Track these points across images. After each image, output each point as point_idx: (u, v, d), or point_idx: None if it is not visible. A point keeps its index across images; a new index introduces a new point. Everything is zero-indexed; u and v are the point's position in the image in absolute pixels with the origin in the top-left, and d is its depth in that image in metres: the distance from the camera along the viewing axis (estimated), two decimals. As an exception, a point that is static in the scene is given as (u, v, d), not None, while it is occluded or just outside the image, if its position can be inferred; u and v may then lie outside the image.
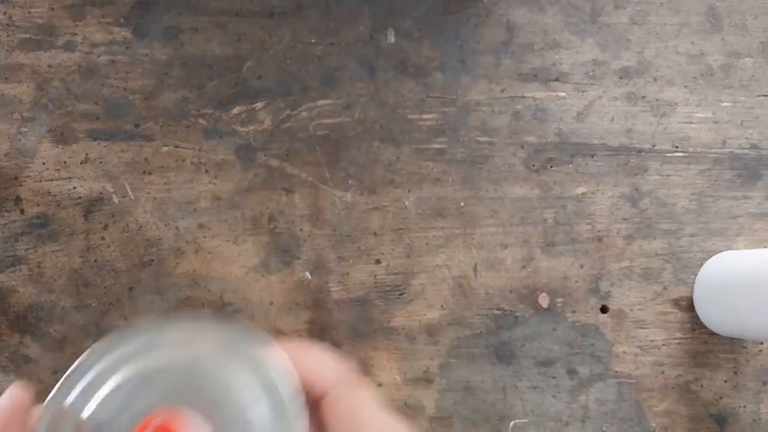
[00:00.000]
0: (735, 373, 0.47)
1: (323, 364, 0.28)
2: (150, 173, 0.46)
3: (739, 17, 0.49)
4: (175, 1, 0.47)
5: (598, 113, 0.48)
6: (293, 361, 0.28)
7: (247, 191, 0.46)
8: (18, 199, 0.45)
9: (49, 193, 0.45)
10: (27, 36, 0.46)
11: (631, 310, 0.47)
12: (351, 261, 0.46)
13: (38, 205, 0.45)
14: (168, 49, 0.46)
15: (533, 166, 0.47)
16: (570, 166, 0.48)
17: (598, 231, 0.47)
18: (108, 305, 0.45)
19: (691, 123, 0.49)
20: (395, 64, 0.47)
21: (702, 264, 0.48)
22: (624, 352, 0.47)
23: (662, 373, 0.47)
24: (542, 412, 0.46)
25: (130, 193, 0.46)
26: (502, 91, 0.48)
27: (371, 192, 0.47)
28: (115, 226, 0.45)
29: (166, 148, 0.46)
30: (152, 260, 0.45)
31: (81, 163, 0.46)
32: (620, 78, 0.48)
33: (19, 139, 0.45)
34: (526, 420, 0.46)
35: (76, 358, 0.45)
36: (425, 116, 0.47)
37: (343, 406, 0.27)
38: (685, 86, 0.49)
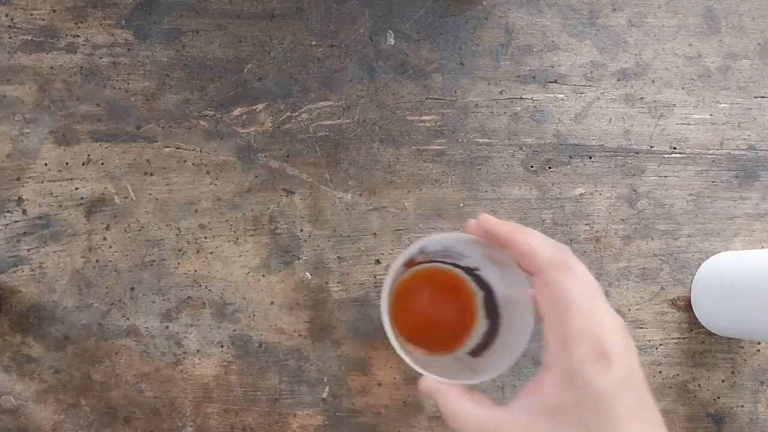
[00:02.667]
0: (732, 372, 0.47)
1: (541, 244, 0.30)
2: (151, 174, 0.46)
3: (736, 19, 0.50)
4: (176, 3, 0.47)
5: (596, 115, 0.48)
6: (517, 238, 0.31)
7: (247, 192, 0.46)
8: (20, 200, 0.45)
9: (51, 193, 0.46)
10: (29, 38, 0.46)
11: (629, 310, 0.47)
12: (351, 261, 0.47)
13: (40, 206, 0.46)
14: (169, 51, 0.47)
15: (532, 167, 0.48)
16: (568, 167, 0.48)
17: (596, 232, 0.48)
18: (110, 305, 0.45)
19: (688, 124, 0.49)
20: (395, 66, 0.48)
21: (699, 264, 0.48)
22: (622, 351, 0.47)
23: (660, 372, 0.47)
24: (541, 412, 0.47)
25: (132, 194, 0.46)
26: (501, 92, 0.48)
27: (371, 193, 0.47)
28: (117, 227, 0.46)
29: (167, 150, 0.46)
30: (154, 260, 0.46)
31: (83, 164, 0.46)
32: (618, 80, 0.49)
33: (21, 140, 0.46)
34: (524, 419, 0.46)
35: (78, 358, 0.46)
36: (424, 118, 0.48)
37: (553, 287, 0.29)
38: (683, 88, 0.49)
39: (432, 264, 0.42)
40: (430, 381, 0.33)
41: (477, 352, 0.39)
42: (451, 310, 0.43)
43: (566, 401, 0.27)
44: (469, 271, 0.41)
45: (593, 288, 0.30)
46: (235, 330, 0.46)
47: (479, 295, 0.42)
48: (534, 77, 0.48)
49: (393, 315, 0.38)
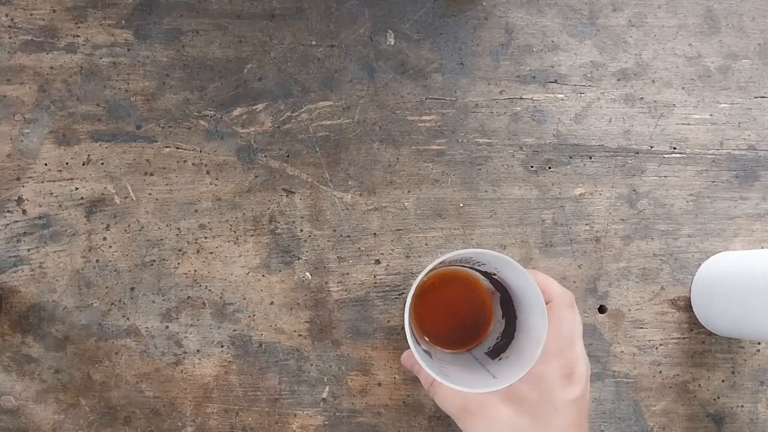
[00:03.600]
0: (732, 372, 0.47)
1: (555, 283, 0.38)
2: (151, 174, 0.46)
3: (736, 19, 0.49)
4: (176, 3, 0.47)
5: (596, 115, 0.48)
6: (537, 276, 0.38)
7: (247, 192, 0.46)
8: (20, 200, 0.45)
9: (51, 193, 0.46)
10: (29, 38, 0.46)
11: (629, 310, 0.47)
12: (351, 261, 0.47)
13: (40, 206, 0.46)
14: (169, 51, 0.47)
15: (532, 167, 0.48)
16: (568, 167, 0.48)
17: (596, 232, 0.48)
18: (110, 305, 0.45)
19: (688, 124, 0.49)
20: (395, 66, 0.48)
21: (699, 264, 0.48)
22: (622, 351, 0.47)
23: (660, 372, 0.47)
24: (541, 412, 0.47)
25: (132, 194, 0.46)
26: (501, 92, 0.48)
27: (371, 193, 0.47)
28: (117, 227, 0.46)
29: (167, 150, 0.46)
30: (154, 260, 0.46)
31: (83, 164, 0.46)
32: (618, 80, 0.49)
33: (21, 140, 0.46)
34: (524, 419, 0.46)
35: (78, 358, 0.45)
36: (424, 118, 0.48)
37: (554, 312, 0.37)
38: (683, 88, 0.49)
39: (451, 266, 0.42)
40: (408, 356, 0.38)
41: (495, 353, 0.40)
42: (468, 309, 0.44)
43: (530, 396, 0.35)
44: (487, 274, 0.41)
45: (580, 329, 0.38)
46: (235, 330, 0.46)
47: (496, 296, 0.42)
48: (534, 77, 0.48)
49: (412, 313, 0.39)
